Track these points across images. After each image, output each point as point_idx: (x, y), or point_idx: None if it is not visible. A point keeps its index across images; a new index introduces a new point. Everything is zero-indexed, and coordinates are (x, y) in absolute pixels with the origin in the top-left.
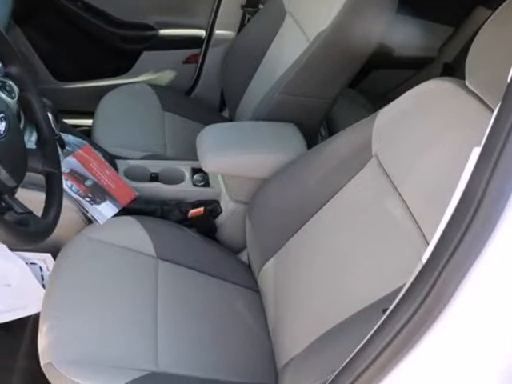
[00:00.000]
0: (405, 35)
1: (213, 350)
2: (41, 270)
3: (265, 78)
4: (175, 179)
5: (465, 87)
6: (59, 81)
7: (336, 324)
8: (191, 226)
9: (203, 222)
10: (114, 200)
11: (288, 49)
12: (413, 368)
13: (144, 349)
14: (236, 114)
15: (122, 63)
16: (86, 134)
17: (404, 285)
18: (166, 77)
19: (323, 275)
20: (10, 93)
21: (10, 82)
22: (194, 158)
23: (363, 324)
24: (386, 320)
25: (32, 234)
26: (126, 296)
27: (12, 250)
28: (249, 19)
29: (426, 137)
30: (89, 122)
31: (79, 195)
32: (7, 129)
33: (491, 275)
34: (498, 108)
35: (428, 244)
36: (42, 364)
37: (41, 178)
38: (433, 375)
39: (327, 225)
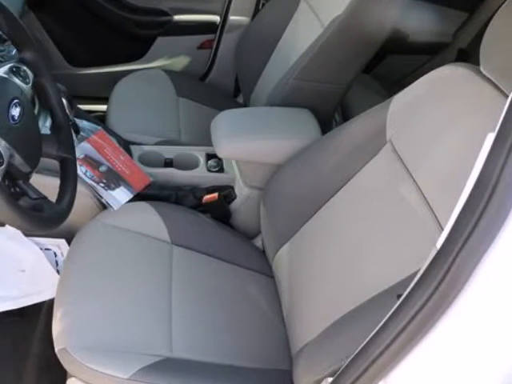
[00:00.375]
0: (419, 21)
1: (227, 336)
2: (55, 255)
3: (279, 64)
4: (189, 165)
5: (479, 73)
6: (73, 66)
7: (350, 310)
8: (205, 211)
9: (217, 208)
10: (128, 186)
11: (302, 34)
12: (427, 354)
13: (158, 334)
14: (250, 99)
15: (137, 49)
16: (101, 119)
17: (418, 270)
18: (180, 62)
19: (337, 261)
20: (24, 78)
21: (25, 68)
22: (209, 143)
23: (377, 310)
24: (400, 306)
25: (46, 219)
26: (141, 282)
27: (26, 235)
28: (263, 5)
29: (441, 122)
30: (103, 107)
31: (93, 181)
32: (21, 114)
33: (505, 261)
34: None
35: (442, 230)
36: (56, 350)
37: (55, 164)
38: (447, 361)
39: (341, 210)
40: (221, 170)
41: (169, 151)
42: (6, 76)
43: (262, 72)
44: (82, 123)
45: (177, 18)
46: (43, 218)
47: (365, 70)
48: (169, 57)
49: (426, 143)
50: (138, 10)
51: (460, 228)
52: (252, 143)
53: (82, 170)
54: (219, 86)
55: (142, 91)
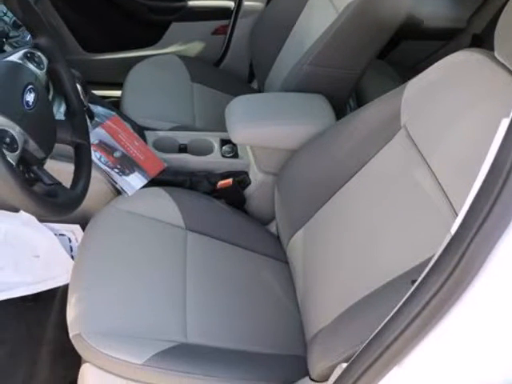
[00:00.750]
0: (433, 6)
1: (241, 322)
2: (69, 241)
3: (294, 50)
4: (204, 150)
5: (494, 58)
6: (88, 52)
7: (365, 295)
8: (220, 197)
9: (232, 194)
10: (142, 171)
11: (317, 20)
12: (441, 339)
13: (173, 320)
14: (265, 85)
15: (151, 34)
16: (115, 105)
17: (433, 256)
18: (194, 48)
19: (352, 246)
20: (38, 64)
21: (39, 54)
22: (223, 129)
23: (392, 295)
24: (414, 291)
25: (61, 205)
26: (155, 267)
27: (41, 221)
28: None
29: (455, 108)
30: (117, 93)
31: (108, 166)
32: (36, 100)
33: None
34: None
35: (457, 215)
36: (70, 335)
37: (70, 149)
38: (461, 346)
39: (356, 196)
40: (235, 155)
41: (183, 137)
42: (20, 62)
43: (277, 58)
44: (97, 109)
45: (191, 3)
46: (57, 204)
47: (379, 55)
48: (183, 42)
49: (441, 129)
50: None
51: (474, 214)
52: (266, 129)
53: (96, 155)
54: (233, 72)
55: (156, 77)
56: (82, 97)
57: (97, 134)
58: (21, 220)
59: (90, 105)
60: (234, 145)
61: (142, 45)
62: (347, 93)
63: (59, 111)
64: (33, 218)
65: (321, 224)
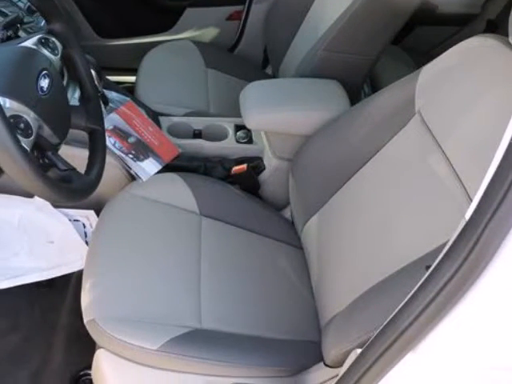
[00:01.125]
0: None
1: (256, 307)
2: (84, 226)
3: (308, 35)
4: (218, 136)
5: (508, 44)
6: (102, 37)
7: (379, 281)
8: (234, 182)
9: (246, 179)
10: (157, 157)
11: (331, 5)
12: (456, 325)
13: (187, 306)
14: (279, 70)
15: (166, 20)
16: (129, 90)
17: (447, 242)
18: (209, 33)
19: (366, 232)
20: (53, 50)
21: (53, 39)
22: (237, 114)
23: (406, 281)
24: (429, 277)
25: (75, 190)
26: (169, 253)
27: (55, 206)
28: None
29: (470, 93)
30: (132, 78)
31: (122, 152)
32: (50, 86)
33: None
34: None
35: (471, 201)
36: (85, 321)
37: (84, 135)
38: (475, 332)
39: (370, 181)
40: (250, 141)
41: (198, 122)
42: (34, 47)
43: (291, 43)
44: (111, 94)
45: None
46: (72, 190)
47: (393, 41)
48: (198, 28)
49: (455, 114)
50: None
51: (489, 199)
52: (281, 114)
53: (110, 141)
54: (248, 58)
55: (170, 62)
56: (96, 82)
57: (111, 120)
58: (35, 205)
59: (104, 90)
60: (249, 130)
61: (157, 30)
62: (361, 78)
63: (73, 97)
64: (47, 204)
65: (335, 210)
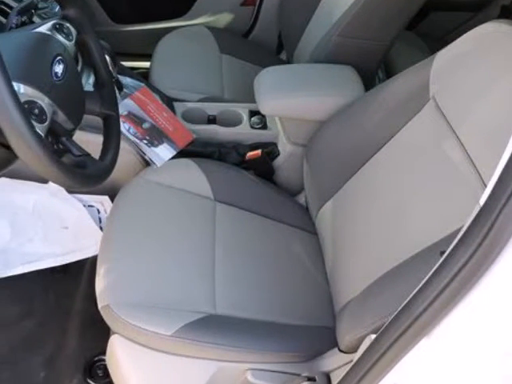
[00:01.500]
0: None
1: (270, 293)
2: (98, 212)
3: (322, 21)
4: (233, 121)
5: None
6: (117, 23)
7: (393, 266)
8: (249, 168)
9: (261, 165)
10: (171, 142)
11: None
12: (470, 310)
13: (202, 291)
14: (294, 56)
15: (180, 5)
16: (144, 76)
17: (461, 227)
18: (223, 19)
19: (381, 217)
20: (67, 35)
21: (68, 25)
22: (252, 100)
23: (421, 266)
24: (443, 262)
25: (90, 176)
26: (184, 238)
27: (69, 192)
28: None
29: (484, 79)
30: (146, 64)
31: (137, 137)
32: (65, 71)
33: None
34: None
35: (485, 186)
36: (99, 306)
37: (98, 121)
38: (490, 317)
39: (385, 167)
40: (264, 126)
41: (212, 108)
42: (49, 33)
43: (306, 29)
44: (125, 80)
45: None
46: (86, 175)
47: (408, 26)
48: (212, 13)
49: (470, 100)
50: None
51: (503, 185)
52: (295, 100)
53: (125, 126)
54: (262, 43)
55: (185, 48)
56: (110, 68)
57: (126, 105)
58: (49, 191)
59: (118, 76)
60: (263, 116)
61: (171, 16)
62: (376, 64)
63: (88, 82)
64: (61, 189)
65: (350, 195)
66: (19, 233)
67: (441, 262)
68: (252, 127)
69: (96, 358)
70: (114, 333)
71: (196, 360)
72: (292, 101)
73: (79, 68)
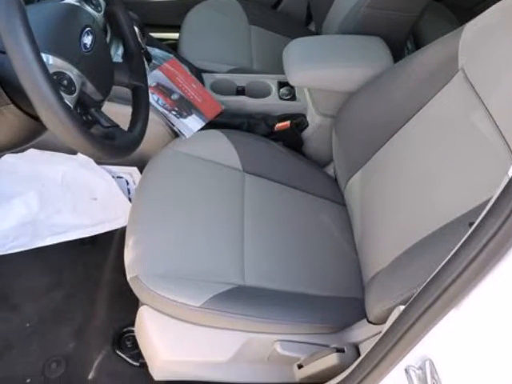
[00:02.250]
0: None
1: (299, 264)
2: (127, 183)
3: None
4: (261, 93)
5: None
6: None
7: (422, 238)
8: (277, 139)
9: (289, 136)
10: (200, 113)
11: None
12: (499, 282)
13: (230, 262)
14: (322, 27)
15: None
16: (173, 47)
17: (490, 198)
18: None
19: (409, 189)
20: (96, 6)
21: None
22: (281, 71)
23: (449, 238)
24: (472, 234)
25: (118, 147)
26: (213, 210)
27: (98, 163)
28: None
29: None
30: (175, 35)
31: (165, 109)
32: (93, 42)
33: None
34: None
35: None
36: (128, 277)
37: (127, 92)
38: None
39: (413, 138)
40: (293, 97)
41: (241, 79)
42: (78, 4)
43: (334, 0)
44: (154, 51)
45: None
46: (115, 146)
47: None
48: None
49: (498, 71)
50: None
51: None
52: (324, 71)
53: (154, 98)
54: (291, 14)
55: (214, 19)
56: (139, 39)
57: (154, 77)
58: (78, 162)
59: (147, 47)
60: (292, 87)
61: None
62: (404, 35)
63: (117, 54)
64: (90, 161)
65: (378, 166)
66: (48, 204)
67: (469, 233)
68: (281, 98)
69: (125, 329)
70: (142, 304)
71: (225, 331)
72: (320, 72)
73: (108, 39)
